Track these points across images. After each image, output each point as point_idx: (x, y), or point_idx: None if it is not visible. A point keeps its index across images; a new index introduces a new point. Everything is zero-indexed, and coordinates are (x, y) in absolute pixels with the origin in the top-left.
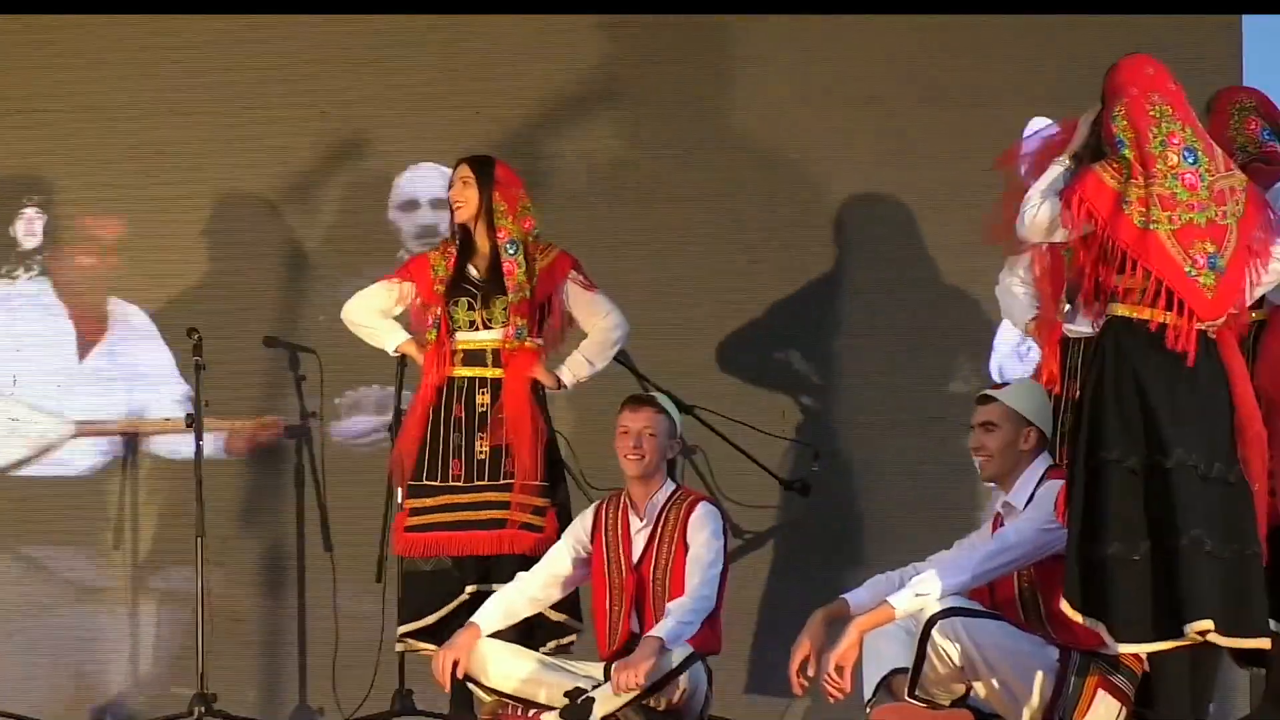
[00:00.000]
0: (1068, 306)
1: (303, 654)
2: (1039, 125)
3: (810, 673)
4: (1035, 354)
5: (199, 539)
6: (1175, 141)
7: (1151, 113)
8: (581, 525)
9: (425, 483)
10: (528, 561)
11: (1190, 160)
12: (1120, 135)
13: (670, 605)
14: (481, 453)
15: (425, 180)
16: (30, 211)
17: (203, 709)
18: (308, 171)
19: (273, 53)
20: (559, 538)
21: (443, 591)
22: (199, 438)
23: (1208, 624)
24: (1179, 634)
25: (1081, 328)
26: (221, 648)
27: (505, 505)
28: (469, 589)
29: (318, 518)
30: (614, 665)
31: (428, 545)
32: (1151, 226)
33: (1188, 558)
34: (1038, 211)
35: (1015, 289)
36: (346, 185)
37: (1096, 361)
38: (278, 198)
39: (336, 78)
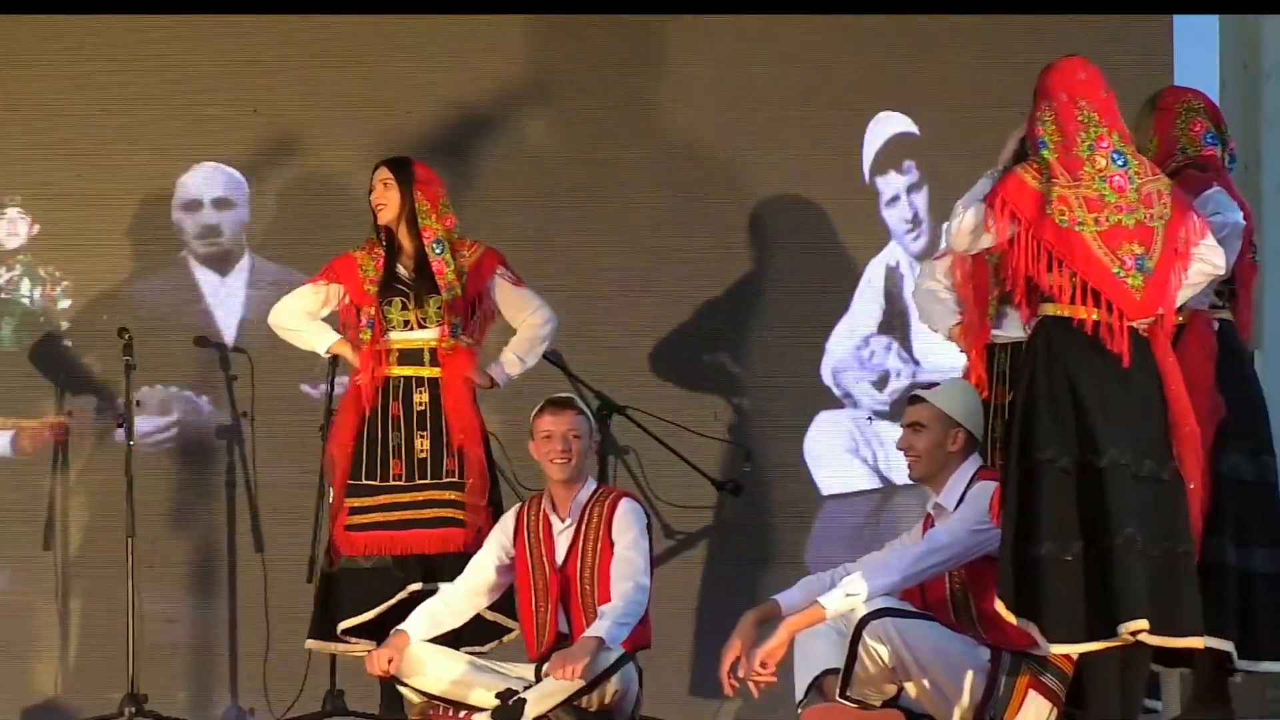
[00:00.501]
0: (999, 309)
1: (234, 654)
2: (886, 119)
3: (741, 673)
4: (878, 359)
5: (129, 539)
6: (1104, 145)
7: (1079, 118)
8: (503, 531)
9: (365, 482)
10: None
11: (1119, 163)
12: (1045, 138)
13: (604, 608)
14: (422, 451)
15: (208, 180)
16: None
17: (133, 709)
18: (240, 171)
19: (204, 51)
20: None
21: (385, 589)
22: (130, 438)
23: (1142, 624)
24: (1112, 634)
25: (1009, 332)
26: (152, 648)
27: (448, 504)
28: (412, 587)
29: (249, 518)
30: (554, 655)
31: (369, 544)
32: (1077, 228)
33: (1121, 557)
34: (963, 219)
35: (940, 294)
36: (279, 185)
37: (1029, 361)
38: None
39: (268, 77)
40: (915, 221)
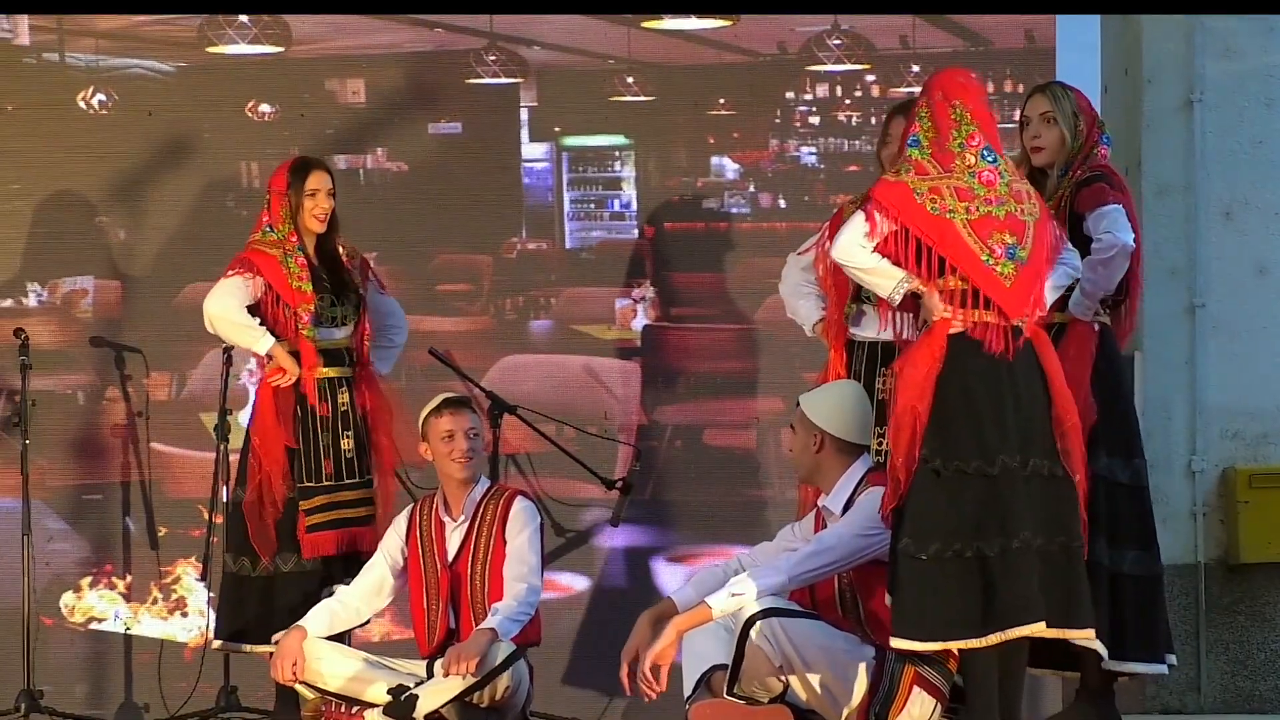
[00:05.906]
0: (855, 309)
1: (128, 650)
2: None
3: (638, 675)
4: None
5: (25, 537)
6: (974, 143)
7: (953, 116)
8: (396, 532)
9: (308, 484)
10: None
11: (989, 159)
12: (920, 134)
13: (497, 605)
14: (349, 451)
15: None
16: None
17: (29, 705)
18: (134, 172)
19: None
20: None
21: (308, 590)
22: (25, 437)
23: (1039, 626)
24: (999, 631)
25: (867, 332)
26: (48, 643)
27: (371, 502)
28: (339, 589)
29: (144, 516)
30: (448, 650)
31: (326, 543)
32: (947, 215)
33: (1017, 561)
34: (848, 231)
35: (805, 290)
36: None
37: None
38: (103, 198)
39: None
40: None
